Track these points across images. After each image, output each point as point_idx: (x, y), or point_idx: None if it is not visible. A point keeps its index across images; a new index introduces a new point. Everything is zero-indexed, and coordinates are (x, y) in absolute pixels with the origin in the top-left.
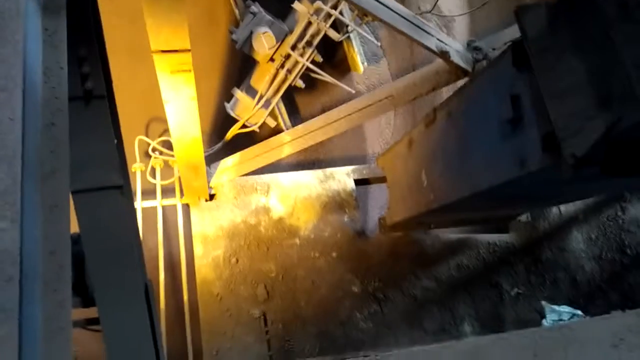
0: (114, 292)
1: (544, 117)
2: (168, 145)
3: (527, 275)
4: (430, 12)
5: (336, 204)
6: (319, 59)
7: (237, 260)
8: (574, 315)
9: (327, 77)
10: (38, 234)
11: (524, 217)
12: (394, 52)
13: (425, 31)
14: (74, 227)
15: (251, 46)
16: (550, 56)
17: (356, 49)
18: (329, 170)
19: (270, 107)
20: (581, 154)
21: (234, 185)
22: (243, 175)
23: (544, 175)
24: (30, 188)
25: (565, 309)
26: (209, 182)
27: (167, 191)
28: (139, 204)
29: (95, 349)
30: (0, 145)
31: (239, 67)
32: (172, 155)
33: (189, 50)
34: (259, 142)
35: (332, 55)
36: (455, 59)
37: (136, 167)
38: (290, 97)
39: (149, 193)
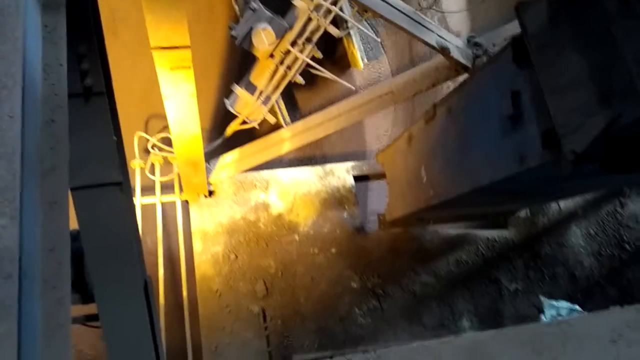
0: (113, 288)
1: (544, 113)
2: (167, 141)
3: (526, 271)
4: (430, 7)
5: (335, 200)
6: (319, 55)
7: (237, 257)
8: (572, 310)
9: (326, 74)
10: (37, 231)
11: (523, 213)
12: (394, 48)
13: (426, 27)
14: (73, 224)
15: (251, 42)
16: (551, 52)
17: (356, 45)
18: (328, 166)
19: (270, 104)
20: (581, 150)
21: (233, 181)
22: (242, 171)
23: (544, 171)
24: (30, 185)
25: (563, 304)
26: (208, 179)
27: (167, 188)
28: (138, 200)
29: (95, 345)
30: (0, 142)
31: (239, 64)
32: (172, 152)
33: (188, 47)
34: (259, 138)
35: (332, 52)
36: (455, 55)
37: (135, 164)
38: (290, 94)
39: (148, 189)
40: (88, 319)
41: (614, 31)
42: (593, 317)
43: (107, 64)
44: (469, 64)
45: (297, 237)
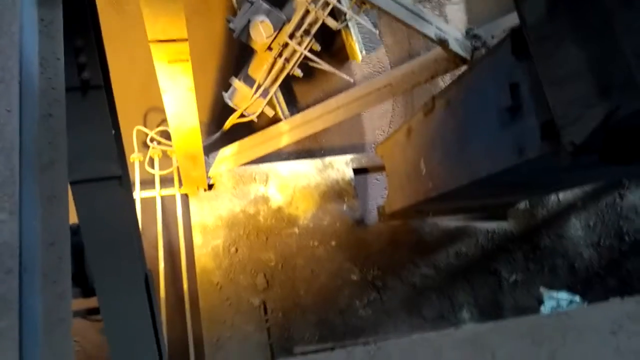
0: (114, 282)
1: (543, 105)
2: (166, 135)
3: (526, 263)
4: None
5: (335, 193)
6: (317, 47)
7: (237, 250)
8: (572, 301)
9: (325, 66)
10: (37, 226)
11: (522, 205)
12: (392, 40)
13: (424, 19)
14: (73, 218)
15: (249, 35)
16: (550, 44)
17: (354, 38)
18: (327, 159)
19: (269, 97)
20: (580, 142)
21: (232, 175)
22: (242, 164)
23: (543, 163)
24: (29, 179)
25: (563, 295)
26: (207, 172)
27: (166, 181)
28: (138, 194)
29: (96, 339)
30: None
31: (237, 57)
32: (171, 145)
33: (186, 40)
34: (258, 131)
35: (330, 44)
36: (454, 47)
37: (134, 158)
38: (288, 87)
39: (147, 183)
40: (89, 313)
41: (613, 24)
42: (593, 308)
43: (104, 57)
44: (467, 56)
45: (296, 230)
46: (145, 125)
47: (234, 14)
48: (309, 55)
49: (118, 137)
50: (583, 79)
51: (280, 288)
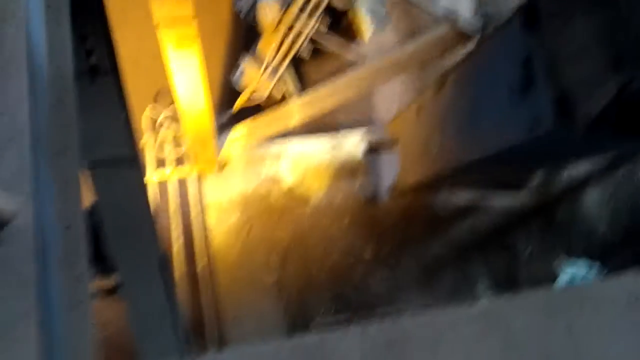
0: (130, 263)
1: (555, 79)
2: (177, 117)
3: (541, 235)
4: None
5: (346, 171)
6: (324, 27)
7: (250, 229)
8: (590, 268)
9: (333, 45)
10: (53, 210)
11: (537, 178)
12: (401, 18)
13: None
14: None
15: (255, 15)
16: (560, 19)
17: (362, 16)
18: (338, 137)
19: (277, 77)
20: (593, 115)
21: (244, 155)
22: (252, 145)
23: (557, 137)
24: (43, 165)
25: (581, 262)
26: (218, 153)
27: (178, 163)
28: (150, 176)
29: (113, 317)
30: (10, 125)
31: (244, 37)
32: (182, 127)
33: (193, 19)
34: (267, 112)
35: (338, 23)
36: (463, 23)
37: (146, 140)
38: (296, 66)
39: (159, 165)
40: (108, 293)
41: None
42: (609, 280)
43: (113, 42)
44: (476, 33)
45: (309, 209)
46: (156, 107)
47: None
48: (317, 34)
49: (129, 120)
50: (594, 53)
51: (294, 266)
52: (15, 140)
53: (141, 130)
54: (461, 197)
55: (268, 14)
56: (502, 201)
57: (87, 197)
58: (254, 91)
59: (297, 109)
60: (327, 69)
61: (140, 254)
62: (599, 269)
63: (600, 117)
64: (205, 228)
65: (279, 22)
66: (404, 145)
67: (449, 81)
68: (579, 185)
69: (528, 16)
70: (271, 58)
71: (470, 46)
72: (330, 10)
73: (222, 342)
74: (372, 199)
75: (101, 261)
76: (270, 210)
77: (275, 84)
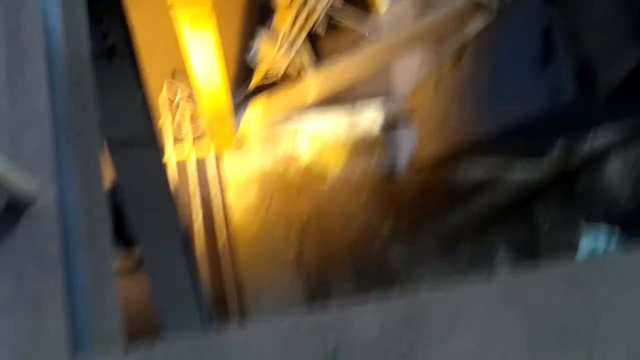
0: (153, 240)
1: (576, 49)
2: (194, 96)
3: (562, 207)
4: None
5: (364, 146)
6: (339, 1)
7: (269, 205)
8: (610, 239)
9: (348, 20)
10: (75, 190)
11: (557, 148)
12: None
13: None
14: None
15: None
16: None
17: None
18: (355, 113)
19: (292, 53)
20: (614, 84)
21: (261, 132)
22: (270, 122)
23: (577, 107)
24: (64, 147)
25: (602, 233)
26: (236, 131)
27: (196, 141)
28: (170, 155)
29: (137, 294)
30: (31, 108)
31: (259, 14)
32: (199, 106)
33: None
34: (283, 89)
35: None
36: None
37: (164, 119)
38: (311, 42)
39: (178, 144)
40: (131, 271)
41: None
42: (630, 252)
43: (128, 23)
44: (495, 4)
45: (327, 185)
46: (173, 86)
47: None
48: (331, 10)
49: (146, 101)
50: (617, 22)
51: (313, 241)
52: (36, 123)
53: (159, 110)
54: (480, 170)
55: None
56: (522, 173)
57: (108, 177)
58: (269, 68)
59: (313, 85)
60: (342, 44)
61: (163, 231)
62: (620, 239)
63: (621, 86)
64: (224, 205)
65: None
66: (421, 119)
67: (468, 53)
68: (600, 156)
69: None
70: (286, 34)
71: (489, 17)
72: None
73: (243, 317)
74: (389, 174)
75: (123, 239)
76: (289, 187)
77: (291, 61)
